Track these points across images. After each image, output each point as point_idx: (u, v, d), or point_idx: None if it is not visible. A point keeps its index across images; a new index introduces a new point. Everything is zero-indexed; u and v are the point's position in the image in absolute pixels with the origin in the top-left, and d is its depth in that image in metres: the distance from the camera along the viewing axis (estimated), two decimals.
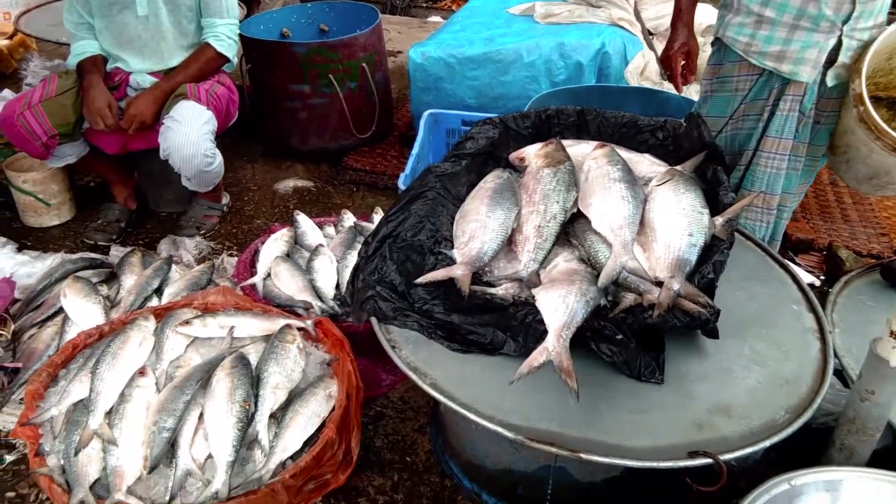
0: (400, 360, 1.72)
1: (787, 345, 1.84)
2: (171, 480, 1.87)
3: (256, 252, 3.11)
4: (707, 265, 1.74)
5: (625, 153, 2.21)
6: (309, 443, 2.02)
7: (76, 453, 1.89)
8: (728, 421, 1.59)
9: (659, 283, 1.74)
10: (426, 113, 3.94)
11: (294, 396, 2.20)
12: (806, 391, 1.68)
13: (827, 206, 4.27)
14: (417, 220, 1.96)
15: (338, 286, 2.88)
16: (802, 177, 2.61)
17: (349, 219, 3.40)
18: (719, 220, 1.87)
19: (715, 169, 2.02)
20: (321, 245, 3.09)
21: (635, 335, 1.68)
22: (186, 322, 2.39)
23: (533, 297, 1.71)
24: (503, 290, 1.81)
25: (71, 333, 2.60)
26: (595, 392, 1.65)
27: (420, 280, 1.77)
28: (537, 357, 1.52)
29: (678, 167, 2.12)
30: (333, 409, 2.15)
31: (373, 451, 2.48)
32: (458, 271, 1.78)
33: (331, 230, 3.37)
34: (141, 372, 2.17)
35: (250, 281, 2.89)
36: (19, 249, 3.48)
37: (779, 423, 1.59)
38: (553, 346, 1.52)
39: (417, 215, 1.98)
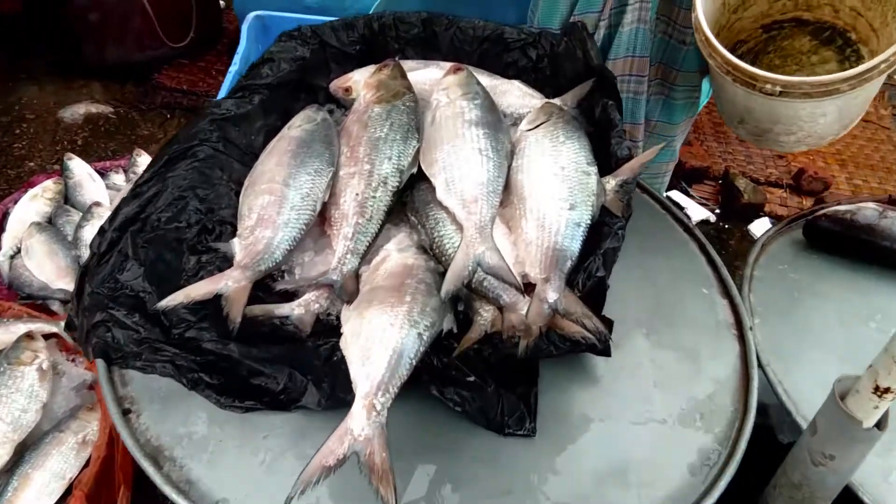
0: (132, 441, 1.13)
1: (699, 350, 1.44)
2: None
3: (5, 217, 2.33)
4: (595, 257, 1.26)
5: (486, 79, 1.66)
6: None
7: None
8: (624, 493, 1.14)
9: (529, 286, 1.23)
10: (251, 15, 3.16)
11: (27, 449, 1.59)
12: (725, 428, 1.27)
13: (720, 124, 3.95)
14: (178, 195, 1.34)
15: None
16: (683, 110, 2.19)
17: (145, 161, 2.65)
18: (611, 182, 1.38)
19: (605, 104, 1.51)
20: (97, 203, 2.35)
21: (494, 372, 1.18)
22: None
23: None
24: (302, 307, 1.23)
25: None
26: (435, 464, 1.15)
27: (162, 304, 1.15)
28: (335, 447, 0.98)
29: (557, 100, 1.60)
30: (87, 464, 1.56)
31: None
32: (229, 283, 1.19)
33: (119, 178, 2.61)
34: None
35: None
36: None
37: (692, 492, 1.16)
38: (360, 428, 0.99)
39: (178, 186, 1.35)
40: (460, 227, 1.30)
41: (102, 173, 2.61)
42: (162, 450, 1.16)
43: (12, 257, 2.19)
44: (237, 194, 1.42)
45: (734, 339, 1.47)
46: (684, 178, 3.50)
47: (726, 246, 3.32)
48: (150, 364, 1.21)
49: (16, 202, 2.38)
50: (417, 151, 1.46)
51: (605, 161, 1.43)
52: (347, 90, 1.68)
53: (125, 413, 1.20)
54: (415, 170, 1.44)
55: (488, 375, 1.20)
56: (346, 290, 1.26)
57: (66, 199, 2.47)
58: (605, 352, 1.24)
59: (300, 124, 1.51)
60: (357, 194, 1.37)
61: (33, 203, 2.35)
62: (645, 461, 1.21)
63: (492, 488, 1.14)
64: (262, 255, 1.27)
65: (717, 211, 3.45)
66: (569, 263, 1.25)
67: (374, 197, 1.37)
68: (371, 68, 1.65)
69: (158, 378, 1.23)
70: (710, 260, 1.66)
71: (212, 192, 1.38)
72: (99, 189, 2.49)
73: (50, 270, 2.10)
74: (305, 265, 1.37)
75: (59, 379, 1.76)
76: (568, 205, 1.32)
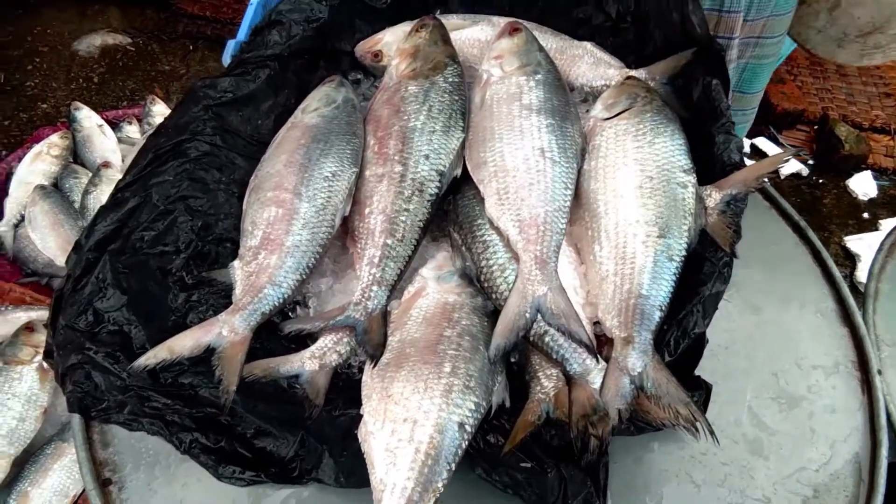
0: None
1: (812, 400, 1.20)
2: None
3: (8, 178, 2.15)
4: (693, 307, 0.98)
5: (551, 40, 1.37)
6: None
7: None
8: None
9: (603, 342, 0.98)
10: None
11: (27, 461, 1.47)
12: None
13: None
14: (163, 208, 1.11)
15: None
16: (767, 73, 1.82)
17: (160, 110, 2.42)
18: (714, 197, 1.09)
19: (708, 84, 1.19)
20: (106, 164, 2.15)
21: (555, 455, 0.94)
22: None
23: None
24: (316, 360, 1.01)
25: None
26: None
27: (138, 364, 0.95)
28: None
29: (642, 72, 1.28)
30: None
31: None
32: (224, 332, 0.97)
33: (133, 130, 2.39)
34: None
35: None
36: None
37: None
38: None
39: (163, 196, 1.11)
40: (516, 256, 1.04)
41: (114, 124, 2.39)
42: None
43: (16, 226, 2.02)
44: (241, 198, 1.18)
45: (857, 386, 1.20)
46: (774, 122, 3.08)
47: (819, 205, 2.94)
48: (136, 419, 1.02)
49: (20, 160, 2.18)
50: (463, 145, 1.18)
51: (704, 163, 1.13)
52: (377, 55, 1.39)
53: (104, 485, 1.01)
54: (459, 171, 1.17)
55: (549, 458, 0.97)
56: (371, 338, 1.02)
57: (75, 155, 2.27)
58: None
59: (316, 107, 1.25)
60: (385, 207, 1.11)
61: (38, 162, 2.16)
62: None
63: None
64: (266, 290, 1.04)
65: (811, 162, 3.04)
66: (657, 316, 0.99)
67: (406, 210, 1.11)
68: (405, 27, 1.36)
69: (146, 438, 1.03)
70: (826, 271, 1.36)
71: (207, 201, 1.14)
72: (110, 144, 2.28)
73: (55, 244, 1.93)
74: (322, 295, 1.14)
75: None
76: (657, 230, 1.04)
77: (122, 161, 2.23)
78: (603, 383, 0.94)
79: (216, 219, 1.14)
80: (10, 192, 2.10)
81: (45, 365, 1.56)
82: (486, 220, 1.10)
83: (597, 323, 1.04)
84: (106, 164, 2.14)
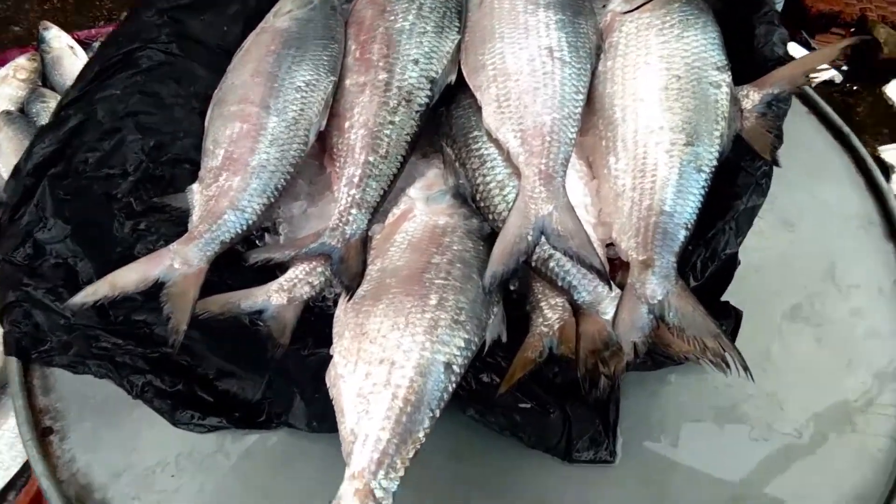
0: (49, 479, 0.86)
1: (852, 324, 1.06)
2: None
3: None
4: (724, 224, 0.85)
5: None
6: None
7: None
8: None
9: (617, 266, 0.85)
10: None
11: None
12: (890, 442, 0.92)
13: None
14: (109, 126, 0.97)
15: None
16: None
17: None
18: (753, 97, 0.94)
19: None
20: None
21: (559, 395, 0.83)
22: None
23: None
24: (284, 293, 0.89)
25: None
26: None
27: (74, 301, 0.83)
28: None
29: None
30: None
31: None
32: (175, 265, 0.85)
33: None
34: None
35: None
36: None
37: None
38: None
39: (110, 113, 0.97)
40: (517, 171, 0.89)
41: (87, 44, 2.22)
42: (91, 491, 0.88)
43: None
44: (203, 115, 1.03)
45: None
46: (807, 25, 2.84)
47: (853, 113, 2.73)
48: (82, 360, 0.93)
49: None
50: (458, 48, 1.02)
51: (742, 61, 0.96)
52: None
53: (44, 434, 0.91)
54: (453, 77, 1.01)
55: (552, 398, 0.85)
56: (347, 268, 0.89)
57: (44, 78, 2.12)
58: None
59: (290, 9, 1.09)
60: (367, 120, 0.97)
61: (3, 86, 2.02)
62: (770, 500, 0.89)
63: None
64: (226, 216, 0.91)
65: (845, 68, 2.82)
66: (682, 235, 0.85)
67: (391, 123, 0.97)
68: None
69: (93, 382, 0.93)
70: (871, 182, 1.24)
71: (161, 117, 1.01)
72: (81, 65, 2.11)
73: None
74: (295, 220, 1.01)
75: None
76: (684, 137, 0.89)
77: None
78: (616, 313, 0.81)
79: (172, 137, 1.00)
80: None
81: None
82: (483, 132, 0.95)
83: (610, 245, 0.91)
84: None
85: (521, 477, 0.89)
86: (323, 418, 0.88)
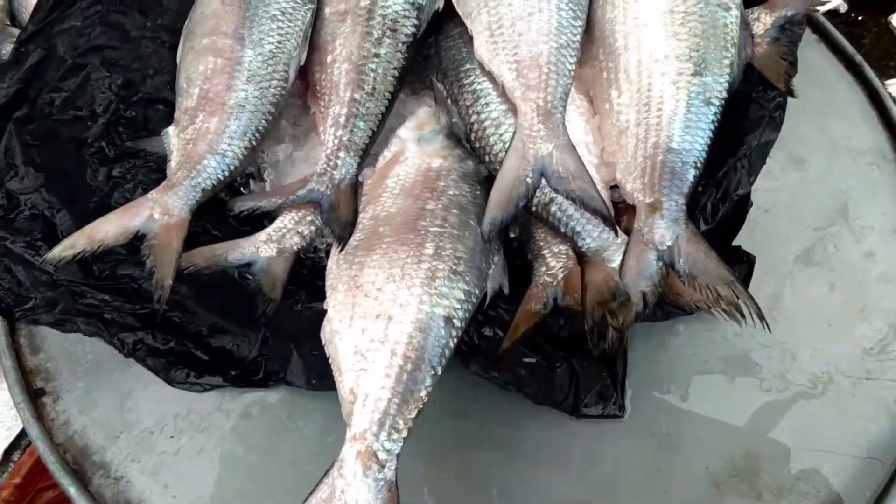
0: (45, 441, 0.83)
1: (867, 269, 1.02)
2: None
3: None
4: (735, 161, 0.81)
5: None
6: None
7: None
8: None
9: (622, 210, 0.81)
10: None
11: None
12: None
13: None
14: (72, 62, 0.91)
15: None
16: None
17: None
18: (765, 20, 0.88)
19: None
20: None
21: (565, 348, 0.79)
22: None
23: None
24: (273, 244, 0.85)
25: None
26: (482, 467, 0.85)
27: (52, 255, 0.79)
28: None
29: None
30: None
31: None
32: (155, 215, 0.81)
33: None
34: None
35: None
36: None
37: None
38: (356, 491, 0.64)
39: (71, 48, 0.91)
40: (513, 107, 0.84)
41: None
42: (89, 454, 0.85)
43: None
44: (174, 49, 0.96)
45: None
46: None
47: (858, 45, 2.65)
48: (69, 318, 0.89)
49: None
50: None
51: None
52: None
53: (36, 395, 0.88)
54: (440, 4, 0.94)
55: (558, 352, 0.82)
56: (338, 216, 0.85)
57: (13, 17, 2.01)
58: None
59: None
60: (350, 53, 0.91)
61: None
62: (783, 452, 0.86)
63: (561, 498, 0.82)
64: (206, 160, 0.86)
65: None
66: (691, 175, 0.80)
67: (377, 56, 0.91)
68: None
69: (83, 340, 0.89)
70: (885, 117, 1.17)
71: (128, 52, 0.94)
72: None
73: None
74: (280, 164, 0.95)
75: None
76: (691, 67, 0.84)
77: None
78: (623, 261, 0.77)
79: (143, 75, 0.94)
80: None
81: None
82: (475, 65, 0.89)
83: (615, 187, 0.86)
84: None
85: (528, 433, 0.86)
86: (322, 376, 0.84)
